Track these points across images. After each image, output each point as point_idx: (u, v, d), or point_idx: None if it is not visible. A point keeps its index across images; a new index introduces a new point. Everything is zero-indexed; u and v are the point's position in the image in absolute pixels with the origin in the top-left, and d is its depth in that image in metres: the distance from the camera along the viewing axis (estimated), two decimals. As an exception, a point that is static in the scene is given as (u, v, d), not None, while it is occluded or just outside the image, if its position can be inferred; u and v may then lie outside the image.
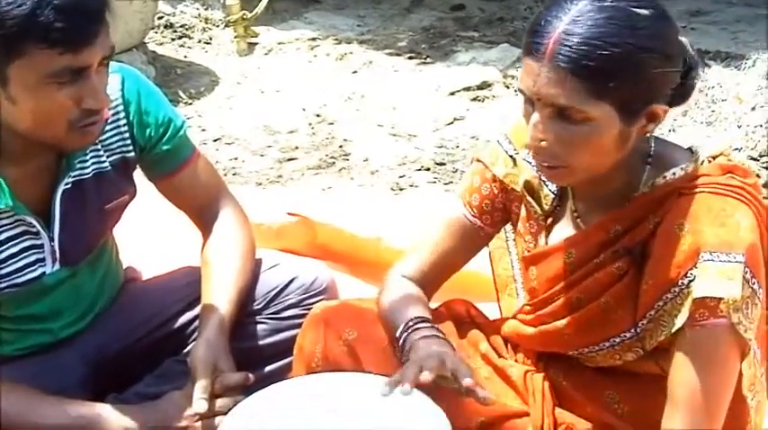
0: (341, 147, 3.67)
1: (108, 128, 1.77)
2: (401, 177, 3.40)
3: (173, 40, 4.92)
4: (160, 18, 4.99)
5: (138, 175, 1.90)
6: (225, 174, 3.38)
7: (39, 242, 1.72)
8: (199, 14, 5.14)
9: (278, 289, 1.93)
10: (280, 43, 4.85)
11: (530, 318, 1.65)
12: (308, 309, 1.79)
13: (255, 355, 1.88)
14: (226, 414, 1.63)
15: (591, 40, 1.37)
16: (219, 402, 1.70)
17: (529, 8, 5.10)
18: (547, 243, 1.62)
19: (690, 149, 1.54)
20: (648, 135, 1.47)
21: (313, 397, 1.60)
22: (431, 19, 5.15)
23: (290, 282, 1.93)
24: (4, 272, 1.69)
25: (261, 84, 4.39)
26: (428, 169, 3.46)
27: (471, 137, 3.69)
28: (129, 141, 1.81)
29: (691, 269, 1.42)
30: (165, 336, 1.93)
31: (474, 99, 4.05)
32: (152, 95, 1.84)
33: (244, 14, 4.73)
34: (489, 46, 4.64)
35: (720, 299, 1.40)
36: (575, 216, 1.59)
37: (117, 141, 1.80)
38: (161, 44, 4.84)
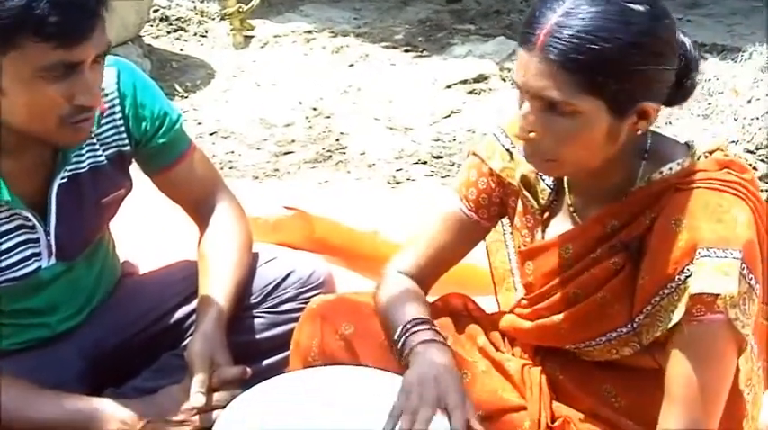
0: (337, 140, 3.67)
1: (104, 121, 1.77)
2: (398, 171, 3.40)
3: (168, 33, 4.91)
4: (156, 11, 4.98)
5: (135, 169, 1.89)
6: (221, 168, 3.37)
7: (35, 236, 1.72)
8: (194, 7, 5.13)
9: (275, 283, 1.93)
10: (276, 36, 4.84)
11: (527, 313, 1.65)
12: (306, 303, 1.79)
13: (253, 349, 1.88)
14: (223, 407, 1.63)
15: (582, 33, 1.37)
16: (217, 396, 1.71)
17: (525, 1, 5.10)
18: (543, 237, 1.62)
19: (686, 144, 1.54)
20: (640, 132, 1.46)
21: (310, 391, 1.60)
22: (427, 12, 5.14)
23: (288, 275, 1.93)
24: (0, 266, 1.69)
25: (257, 77, 4.38)
26: (425, 162, 3.46)
27: (468, 130, 3.69)
28: (124, 135, 1.81)
29: (687, 265, 1.42)
30: (163, 331, 1.93)
31: (470, 92, 4.05)
32: (148, 89, 1.84)
33: (240, 7, 4.72)
34: (486, 39, 4.63)
35: (717, 295, 1.39)
36: (571, 211, 1.59)
37: (113, 135, 1.80)
38: (157, 37, 4.83)
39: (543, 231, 1.63)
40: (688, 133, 3.11)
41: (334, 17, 5.11)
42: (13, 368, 1.72)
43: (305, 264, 1.97)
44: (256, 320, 1.92)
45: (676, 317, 1.43)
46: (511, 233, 1.73)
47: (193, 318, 1.86)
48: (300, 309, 1.79)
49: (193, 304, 1.88)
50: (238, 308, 1.87)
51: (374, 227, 2.54)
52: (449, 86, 4.11)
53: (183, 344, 1.87)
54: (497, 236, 1.78)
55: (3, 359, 1.75)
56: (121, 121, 1.80)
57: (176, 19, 5.01)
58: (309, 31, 4.88)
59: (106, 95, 1.76)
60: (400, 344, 1.59)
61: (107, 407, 1.71)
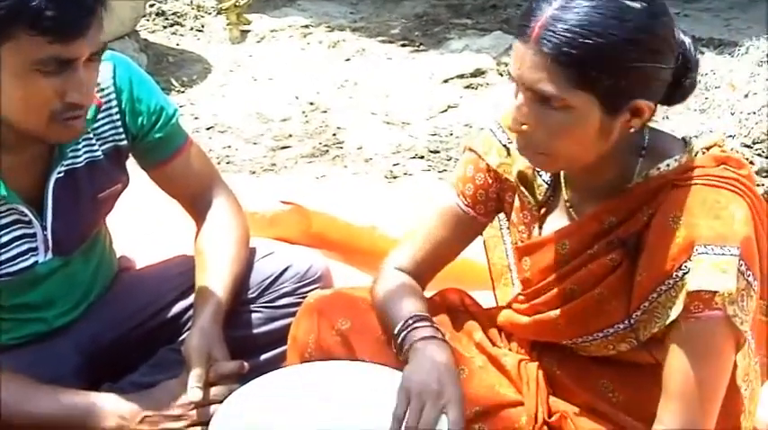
0: (334, 135, 3.66)
1: (100, 116, 1.77)
2: (395, 165, 3.40)
3: (165, 27, 4.91)
4: (152, 5, 4.97)
5: (131, 164, 1.89)
6: (218, 163, 3.37)
7: (31, 231, 1.72)
8: (191, 2, 5.13)
9: (272, 277, 1.93)
10: (272, 31, 4.84)
11: (524, 308, 1.65)
12: (303, 298, 1.79)
13: (250, 344, 1.88)
14: (221, 402, 1.63)
15: (576, 27, 1.36)
16: (214, 390, 1.70)
17: (522, -5, 5.10)
18: (540, 233, 1.62)
19: (683, 140, 1.54)
20: (633, 130, 1.45)
21: (307, 386, 1.60)
22: (424, 6, 5.14)
23: (285, 270, 1.93)
24: (-4, 261, 1.69)
25: (253, 71, 4.38)
26: (422, 157, 3.46)
27: (465, 124, 3.68)
28: (121, 130, 1.81)
29: (685, 262, 1.42)
30: (160, 325, 1.93)
31: (467, 86, 4.05)
32: (144, 83, 1.83)
33: (236, 2, 4.71)
34: (482, 33, 4.63)
35: (715, 292, 1.39)
36: (568, 206, 1.59)
37: (109, 130, 1.80)
38: (153, 32, 4.83)
39: (540, 227, 1.63)
40: (685, 128, 3.11)
41: (330, 11, 5.10)
42: (11, 363, 1.72)
43: (302, 259, 1.97)
44: (254, 315, 1.92)
45: (674, 313, 1.42)
46: (508, 228, 1.73)
47: (191, 312, 1.86)
48: (298, 304, 1.79)
49: (190, 299, 1.88)
50: (236, 302, 1.87)
51: (371, 221, 2.54)
52: (446, 81, 4.11)
53: (180, 338, 1.87)
54: (495, 231, 1.78)
55: (1, 354, 1.74)
56: (118, 116, 1.80)
57: (173, 13, 5.00)
58: (306, 26, 4.88)
59: (102, 90, 1.75)
60: (400, 339, 1.58)
61: (105, 401, 1.71)
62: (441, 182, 3.20)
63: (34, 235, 1.72)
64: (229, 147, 3.61)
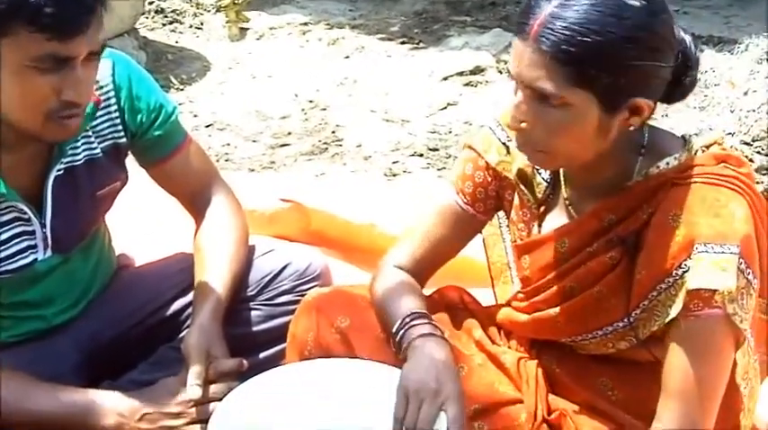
0: (333, 132, 3.66)
1: (99, 114, 1.76)
2: (394, 163, 3.40)
3: (164, 25, 4.90)
4: (151, 3, 4.97)
5: (130, 161, 1.89)
6: (217, 160, 3.37)
7: (30, 229, 1.72)
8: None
9: (271, 275, 1.93)
10: (271, 28, 4.83)
11: (523, 306, 1.65)
12: (302, 296, 1.79)
13: (249, 342, 1.88)
14: (220, 400, 1.63)
15: (575, 25, 1.36)
16: (213, 388, 1.70)
17: (521, -8, 5.09)
18: (540, 231, 1.62)
19: (683, 138, 1.54)
20: (632, 128, 1.45)
21: (307, 383, 1.60)
22: (423, 3, 5.13)
23: (284, 268, 1.93)
24: (-5, 258, 1.69)
25: (253, 69, 4.38)
26: (421, 155, 3.46)
27: (464, 122, 3.68)
28: (120, 127, 1.81)
29: (685, 260, 1.41)
30: (159, 323, 1.93)
31: (467, 84, 4.05)
32: (143, 81, 1.83)
33: (235, -1, 4.71)
34: (482, 31, 4.63)
35: (715, 290, 1.39)
36: (567, 204, 1.59)
37: (108, 127, 1.79)
38: (152, 29, 4.82)
39: (539, 225, 1.63)
40: (684, 125, 3.11)
41: (329, 9, 5.10)
42: (10, 361, 1.72)
43: (301, 257, 1.97)
44: (253, 313, 1.91)
45: (674, 312, 1.42)
46: (507, 226, 1.73)
47: (190, 310, 1.86)
48: (297, 302, 1.79)
49: (190, 296, 1.88)
50: (235, 300, 1.87)
51: (370, 219, 2.54)
52: (445, 78, 4.11)
53: (179, 336, 1.87)
54: (494, 229, 1.78)
55: (1, 352, 1.74)
56: (117, 114, 1.80)
57: (172, 11, 5.00)
58: (305, 23, 4.87)
59: (101, 88, 1.75)
60: (398, 337, 1.58)
61: (104, 399, 1.71)
62: (440, 179, 3.20)
63: (33, 232, 1.72)
64: (228, 144, 3.61)
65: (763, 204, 1.48)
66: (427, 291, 1.76)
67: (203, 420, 1.66)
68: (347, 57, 4.47)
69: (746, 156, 2.96)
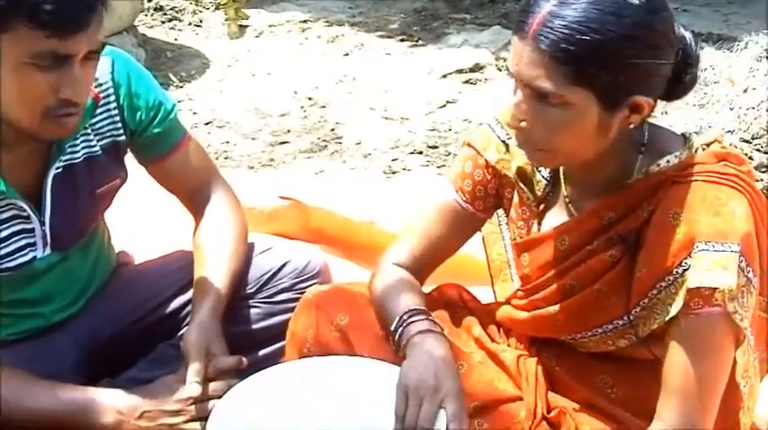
0: (333, 130, 3.66)
1: (98, 111, 1.76)
2: (394, 160, 3.40)
3: (163, 22, 4.90)
4: (150, 1, 4.96)
5: (129, 159, 1.89)
6: (216, 158, 3.37)
7: (29, 226, 1.72)
8: (189, -3, 5.12)
9: (271, 272, 1.92)
10: (270, 26, 4.83)
11: (523, 303, 1.65)
12: (302, 293, 1.79)
13: (248, 339, 1.88)
14: (219, 397, 1.63)
15: (574, 24, 1.35)
16: (213, 386, 1.70)
17: (520, -10, 5.08)
18: (539, 229, 1.62)
19: (683, 136, 1.54)
20: (632, 126, 1.45)
21: (306, 381, 1.60)
22: (422, 1, 5.13)
23: (283, 265, 1.93)
24: (-6, 256, 1.69)
25: (252, 66, 4.37)
26: (421, 152, 3.46)
27: (464, 120, 3.68)
28: (119, 125, 1.81)
29: (685, 258, 1.41)
30: (158, 321, 1.93)
31: (466, 82, 4.05)
32: (142, 78, 1.83)
33: (234, -3, 4.71)
34: (481, 28, 4.63)
35: (716, 289, 1.39)
36: (567, 202, 1.58)
37: (107, 125, 1.79)
38: (151, 27, 4.82)
39: (539, 223, 1.62)
40: (683, 123, 3.11)
41: (328, 6, 5.09)
42: (9, 358, 1.72)
43: (301, 254, 1.97)
44: (252, 310, 1.91)
45: (674, 310, 1.42)
46: (507, 224, 1.73)
47: (189, 308, 1.86)
48: (296, 299, 1.79)
49: (189, 294, 1.88)
50: (234, 298, 1.87)
51: (370, 216, 2.54)
52: (444, 76, 4.10)
53: (178, 334, 1.87)
54: (493, 227, 1.77)
55: (0, 349, 1.74)
56: (116, 111, 1.79)
57: (171, 8, 4.99)
58: (304, 21, 4.87)
59: (101, 85, 1.75)
60: (397, 335, 1.58)
61: (103, 397, 1.71)
62: (439, 177, 3.20)
63: (32, 230, 1.72)
64: (228, 142, 3.61)
65: (763, 202, 1.48)
66: (426, 288, 1.76)
67: (202, 418, 1.66)
68: (346, 54, 4.46)
69: (746, 154, 2.97)
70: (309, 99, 3.95)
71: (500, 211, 1.74)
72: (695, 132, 1.59)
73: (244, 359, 1.75)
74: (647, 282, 1.46)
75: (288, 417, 1.58)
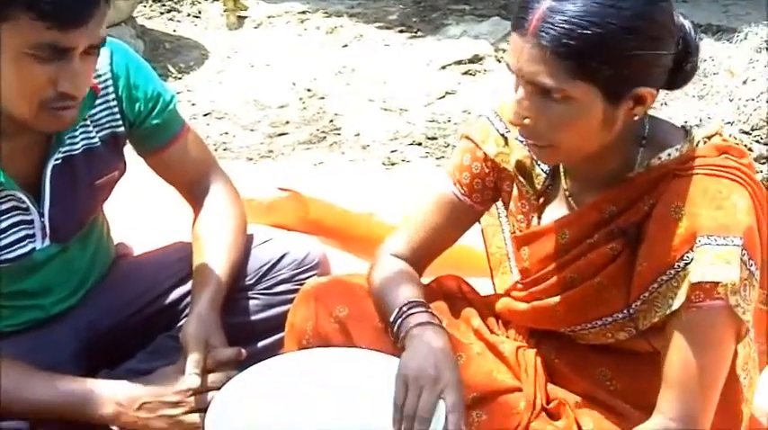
0: (332, 121, 3.66)
1: (97, 102, 1.76)
2: (393, 152, 3.40)
3: (161, 13, 4.89)
4: (148, -9, 4.95)
5: (128, 150, 1.89)
6: (215, 149, 3.36)
7: (28, 218, 1.71)
8: (188, -13, 5.10)
9: (270, 264, 1.92)
10: (269, 17, 4.82)
11: (522, 295, 1.65)
12: (300, 285, 1.79)
13: (248, 331, 1.88)
14: (218, 389, 1.63)
15: (574, 19, 1.35)
16: (212, 377, 1.71)
17: (520, -19, 5.07)
18: (539, 223, 1.62)
19: (684, 129, 1.53)
20: (637, 117, 1.44)
21: (305, 372, 1.61)
22: (421, -8, 5.12)
23: (282, 257, 1.93)
24: (-7, 247, 1.69)
25: (251, 58, 4.37)
26: (420, 144, 3.45)
27: (463, 111, 3.68)
28: (118, 116, 1.80)
29: (687, 252, 1.41)
30: (157, 312, 1.93)
31: (465, 73, 4.04)
32: (141, 70, 1.83)
33: (233, -13, 4.70)
34: (480, 19, 4.62)
35: (718, 282, 1.39)
36: (567, 196, 1.58)
37: (106, 116, 1.79)
38: (150, 18, 4.81)
39: (539, 217, 1.62)
40: (683, 115, 3.11)
41: (327, -3, 5.09)
42: (8, 350, 1.72)
43: (300, 246, 1.97)
44: (251, 302, 1.91)
45: (676, 304, 1.42)
46: (506, 217, 1.73)
47: (188, 299, 1.86)
48: (295, 291, 1.79)
49: (188, 285, 1.88)
50: (233, 289, 1.87)
51: (369, 208, 2.54)
52: (443, 67, 4.10)
53: (177, 325, 1.87)
54: (493, 220, 1.77)
55: (0, 341, 1.74)
56: (115, 102, 1.79)
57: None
58: (303, 12, 4.86)
59: (99, 76, 1.75)
60: (396, 326, 1.58)
61: (102, 388, 1.71)
62: (438, 169, 3.20)
63: (32, 221, 1.72)
64: (226, 133, 3.60)
65: (763, 195, 1.48)
66: (425, 280, 1.76)
67: (202, 409, 1.66)
68: (345, 45, 4.46)
69: (745, 145, 2.96)
70: (308, 90, 3.94)
71: (499, 204, 1.74)
72: (695, 124, 1.58)
73: (243, 350, 1.75)
74: (647, 275, 1.46)
75: (287, 409, 1.58)
